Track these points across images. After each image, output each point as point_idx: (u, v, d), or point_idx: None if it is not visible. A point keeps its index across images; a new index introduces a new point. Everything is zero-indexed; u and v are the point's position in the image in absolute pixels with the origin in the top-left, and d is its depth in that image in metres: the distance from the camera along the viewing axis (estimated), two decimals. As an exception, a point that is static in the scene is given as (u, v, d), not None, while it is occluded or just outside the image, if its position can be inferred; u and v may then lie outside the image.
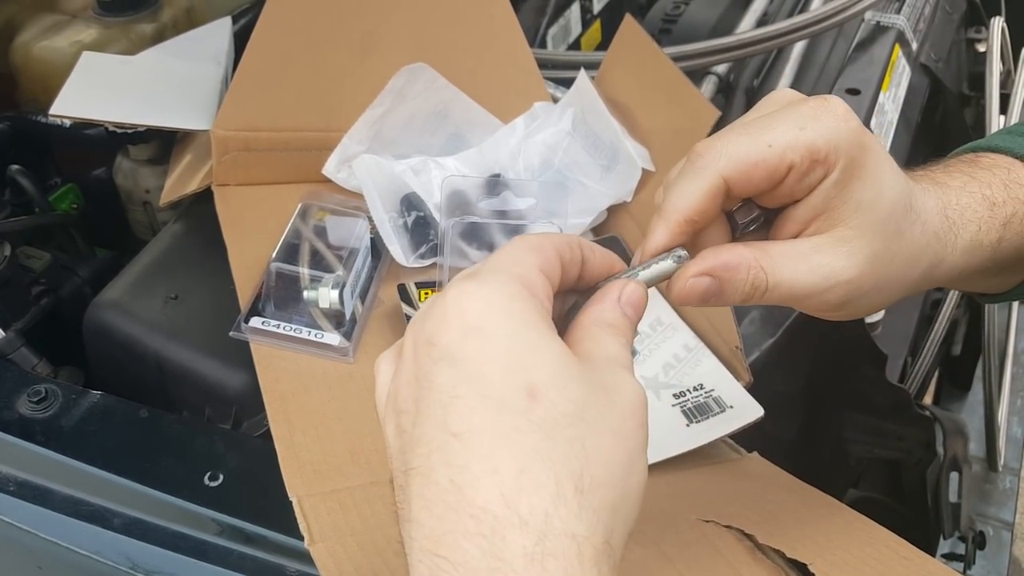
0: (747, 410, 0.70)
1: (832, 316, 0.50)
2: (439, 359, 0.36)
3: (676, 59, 0.94)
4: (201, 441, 0.68)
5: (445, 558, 0.34)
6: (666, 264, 0.45)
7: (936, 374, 1.21)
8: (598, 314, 0.41)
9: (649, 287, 0.44)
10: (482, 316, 0.36)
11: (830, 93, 1.01)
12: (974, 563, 1.04)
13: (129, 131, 0.91)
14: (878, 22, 1.13)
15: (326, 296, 0.72)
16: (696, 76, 1.01)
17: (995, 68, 1.25)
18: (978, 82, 1.31)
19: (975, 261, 0.51)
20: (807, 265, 0.47)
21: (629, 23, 0.93)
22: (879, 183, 0.47)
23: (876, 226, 0.47)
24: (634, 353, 0.73)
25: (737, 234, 0.49)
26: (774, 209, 0.49)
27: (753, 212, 0.48)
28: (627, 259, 0.57)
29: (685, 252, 0.45)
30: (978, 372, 1.34)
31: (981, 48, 1.35)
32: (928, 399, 1.18)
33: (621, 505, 0.36)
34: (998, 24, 1.29)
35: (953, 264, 0.51)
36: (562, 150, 0.88)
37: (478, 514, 0.34)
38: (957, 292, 1.13)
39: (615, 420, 0.37)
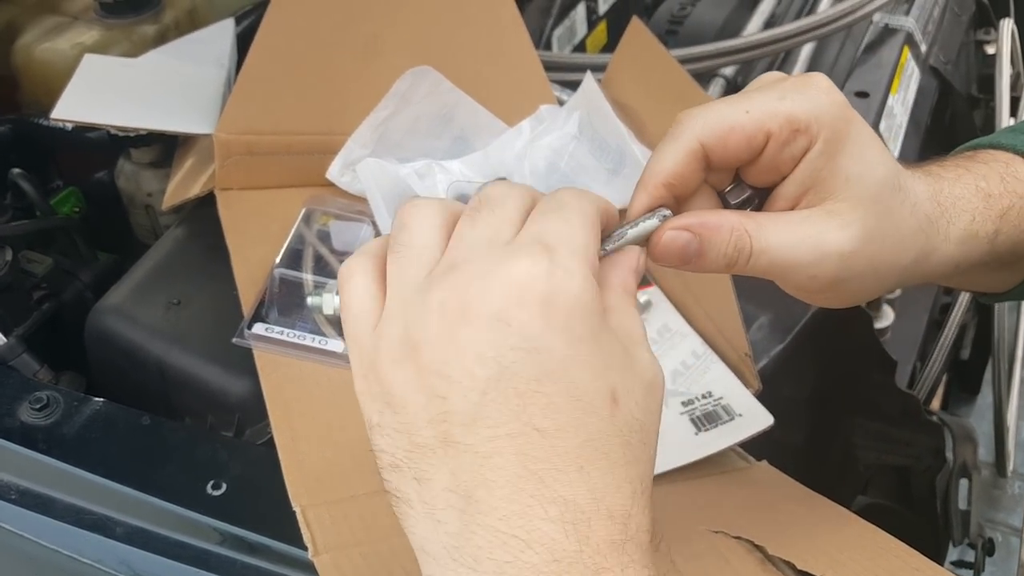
0: (757, 418, 0.69)
1: (819, 297, 0.48)
2: (516, 347, 0.36)
3: (683, 61, 0.94)
4: (204, 449, 0.67)
5: (516, 536, 0.35)
6: (651, 222, 0.44)
7: (944, 378, 1.20)
8: (625, 279, 0.41)
9: (636, 245, 0.44)
10: (569, 313, 0.36)
11: (838, 96, 1.02)
12: (983, 570, 1.03)
13: (131, 134, 0.90)
14: (887, 24, 1.12)
15: (330, 302, 0.71)
16: (703, 78, 1.00)
17: (1004, 70, 1.25)
18: (987, 84, 1.30)
19: (972, 253, 0.50)
20: (797, 234, 0.46)
21: (636, 25, 0.93)
22: (866, 157, 0.46)
23: (867, 201, 0.46)
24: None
25: None
26: (767, 190, 0.48)
27: (745, 192, 0.47)
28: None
29: (669, 211, 0.45)
30: (987, 376, 1.33)
31: (990, 50, 1.34)
32: (936, 403, 1.18)
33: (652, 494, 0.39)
34: (1007, 26, 1.28)
35: (948, 254, 0.50)
36: (568, 154, 0.88)
37: (563, 503, 0.35)
38: (967, 296, 1.12)
39: (656, 417, 0.39)
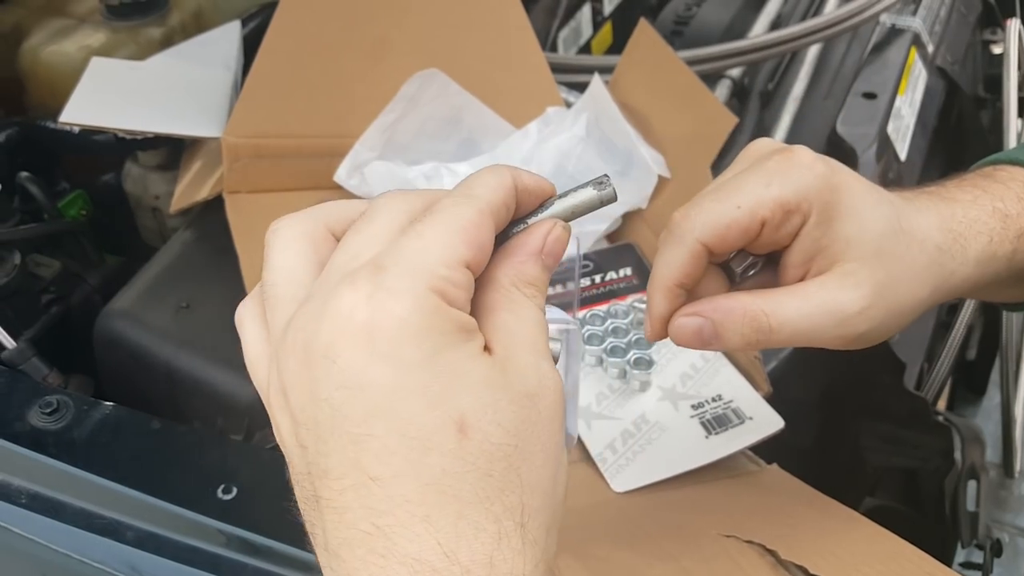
0: (767, 422, 0.69)
1: (850, 348, 0.50)
2: (342, 385, 0.32)
3: (690, 62, 0.93)
4: (214, 453, 0.67)
5: None
6: (587, 192, 0.39)
7: (950, 379, 1.20)
8: (518, 270, 0.36)
9: (571, 220, 0.39)
10: (395, 340, 0.32)
11: (846, 97, 1.01)
12: (992, 571, 1.03)
13: (138, 137, 0.90)
14: (894, 25, 1.12)
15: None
16: (710, 80, 1.00)
17: (1012, 70, 1.24)
18: (994, 84, 1.30)
19: (990, 272, 0.51)
20: (812, 303, 0.47)
21: (643, 27, 0.92)
22: (863, 217, 0.48)
23: (872, 257, 0.47)
24: (651, 364, 0.72)
25: (737, 282, 0.51)
26: (768, 255, 0.50)
27: (747, 259, 0.50)
28: (644, 270, 0.56)
29: (606, 177, 0.39)
30: (993, 377, 1.33)
31: (997, 50, 1.33)
32: (942, 404, 1.17)
33: (553, 522, 0.34)
34: (1014, 26, 1.27)
35: (966, 275, 0.51)
36: (576, 156, 0.88)
37: (412, 564, 0.31)
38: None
39: (542, 433, 0.34)
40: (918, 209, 0.50)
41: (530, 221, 0.38)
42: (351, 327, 0.32)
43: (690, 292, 0.49)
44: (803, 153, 0.48)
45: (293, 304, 0.35)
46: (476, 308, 0.35)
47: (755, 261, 0.50)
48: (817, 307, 0.47)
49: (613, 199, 0.39)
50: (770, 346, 0.48)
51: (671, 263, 0.48)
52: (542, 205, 0.39)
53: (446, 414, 0.32)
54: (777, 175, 0.47)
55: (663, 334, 0.50)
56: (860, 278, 0.47)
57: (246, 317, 0.38)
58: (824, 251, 0.47)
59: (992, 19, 1.37)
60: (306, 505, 0.34)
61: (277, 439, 0.36)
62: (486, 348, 0.34)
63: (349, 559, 0.32)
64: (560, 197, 0.39)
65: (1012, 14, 1.31)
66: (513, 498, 0.33)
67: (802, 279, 0.49)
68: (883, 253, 0.48)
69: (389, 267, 0.33)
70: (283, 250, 0.37)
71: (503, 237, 0.37)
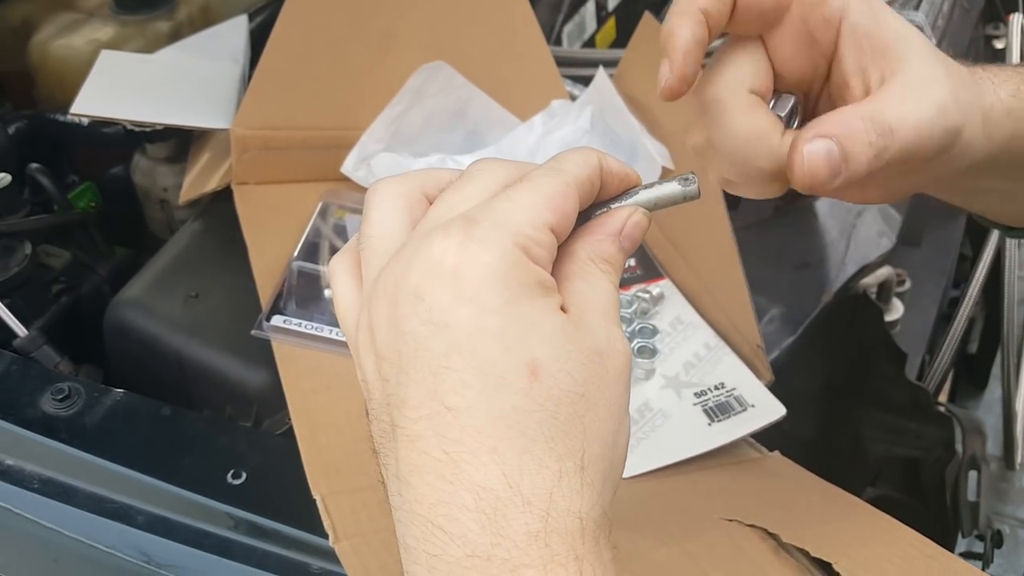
0: (769, 409, 0.70)
1: (951, 157, 0.44)
2: (428, 321, 0.34)
3: (694, 56, 0.94)
4: (223, 439, 0.68)
5: (441, 528, 0.33)
6: (671, 186, 0.40)
7: (952, 372, 1.21)
8: (596, 247, 0.39)
9: (653, 210, 0.41)
10: (479, 285, 0.34)
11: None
12: (992, 562, 1.03)
13: (147, 129, 0.91)
14: (896, 19, 1.12)
15: (347, 294, 0.72)
16: (713, 73, 1.00)
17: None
18: (995, 79, 1.30)
19: (1017, 132, 0.47)
20: (912, 96, 0.43)
21: (648, 21, 0.93)
22: (896, 17, 0.44)
23: (927, 50, 0.44)
24: (654, 352, 0.73)
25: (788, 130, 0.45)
26: (810, 98, 0.47)
27: (789, 100, 0.46)
28: (647, 260, 0.57)
29: (692, 175, 0.41)
30: (995, 370, 1.33)
31: (999, 45, 1.34)
32: (942, 397, 1.18)
33: (611, 472, 0.36)
34: (1017, 21, 1.27)
35: (1000, 117, 0.46)
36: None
37: (477, 491, 0.33)
38: (976, 289, 1.13)
39: (608, 389, 0.36)
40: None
41: (613, 206, 0.40)
42: (440, 270, 0.34)
43: (710, 34, 0.43)
44: None
45: (386, 256, 0.37)
46: (556, 277, 0.37)
47: (796, 102, 0.46)
48: (914, 98, 0.42)
49: (696, 196, 0.40)
50: (889, 155, 0.42)
51: None
52: (626, 192, 0.40)
53: (520, 357, 0.34)
54: None
55: (685, 81, 0.43)
56: (931, 67, 0.43)
57: (338, 269, 0.41)
58: (881, 51, 0.43)
59: (994, 14, 1.37)
60: (382, 437, 0.36)
61: (360, 380, 0.38)
62: (562, 308, 0.37)
63: (418, 484, 0.34)
64: (645, 188, 0.41)
65: (1015, 9, 1.32)
66: (575, 442, 0.34)
67: (867, 91, 0.44)
68: (931, 50, 0.44)
69: (480, 221, 0.35)
70: (379, 206, 0.39)
71: (585, 217, 0.39)
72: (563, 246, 0.38)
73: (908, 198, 0.96)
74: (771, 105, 0.45)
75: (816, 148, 0.42)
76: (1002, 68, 0.48)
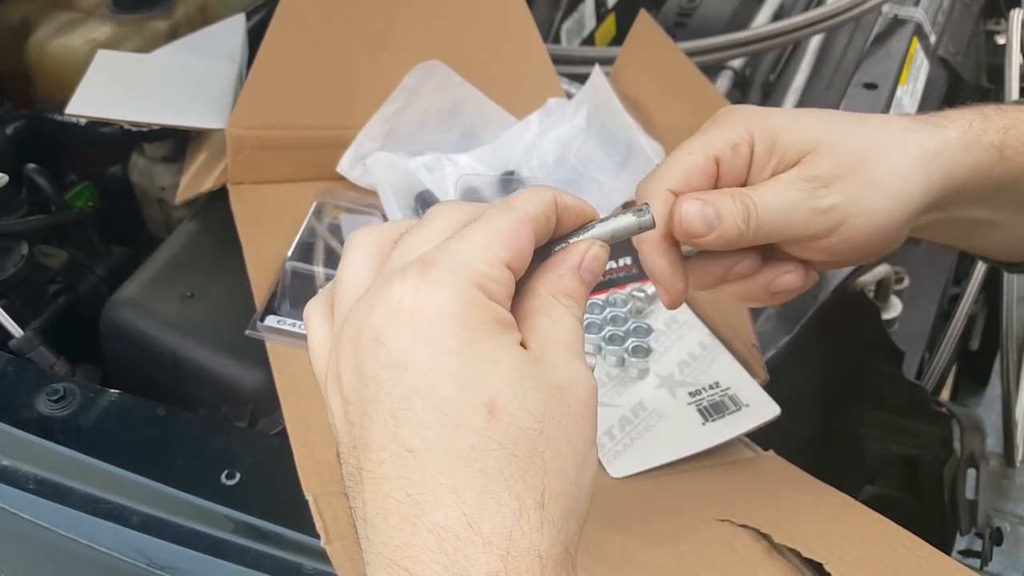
0: (763, 408, 0.70)
1: (835, 238, 0.50)
2: (388, 364, 0.35)
3: (691, 54, 0.94)
4: (217, 439, 0.68)
5: (406, 569, 0.34)
6: (627, 219, 0.42)
7: (953, 369, 1.21)
8: (556, 282, 0.40)
9: (611, 243, 0.42)
10: (436, 326, 0.35)
11: (847, 87, 1.02)
12: (991, 559, 1.03)
13: (144, 129, 0.91)
14: (896, 15, 1.12)
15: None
16: (712, 71, 1.00)
17: (1014, 60, 1.24)
18: (997, 74, 1.30)
19: (983, 162, 0.51)
20: (783, 182, 0.49)
21: (644, 19, 0.93)
22: (805, 118, 0.51)
23: (824, 142, 0.49)
24: (649, 351, 0.73)
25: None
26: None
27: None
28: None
29: (646, 205, 0.43)
30: (996, 367, 1.33)
31: (1000, 40, 1.33)
32: (945, 394, 1.18)
33: (575, 508, 0.36)
34: (1018, 16, 1.27)
35: (954, 159, 0.50)
36: (576, 146, 0.88)
37: (439, 532, 0.33)
38: (976, 287, 1.12)
39: (570, 424, 0.36)
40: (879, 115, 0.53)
41: (571, 240, 0.41)
42: (399, 313, 0.35)
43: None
44: (738, 105, 0.53)
45: (355, 300, 0.38)
46: (517, 315, 0.38)
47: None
48: (785, 183, 0.49)
49: (651, 226, 0.43)
50: (758, 238, 0.49)
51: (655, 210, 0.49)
52: (584, 227, 0.42)
53: (477, 396, 0.35)
54: (716, 122, 0.51)
55: (680, 297, 0.52)
56: (817, 158, 0.49)
57: (312, 313, 0.42)
58: (779, 160, 0.50)
59: (996, 9, 1.36)
60: (350, 480, 0.37)
61: (331, 422, 0.39)
62: (523, 345, 0.37)
63: (383, 527, 0.34)
64: (602, 221, 0.42)
65: (1016, 4, 1.31)
66: (535, 479, 0.35)
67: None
68: (834, 137, 0.50)
69: (436, 263, 0.36)
70: (352, 253, 0.41)
71: (545, 254, 0.41)
72: (524, 284, 0.39)
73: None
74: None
75: (693, 206, 0.49)
76: (952, 110, 0.52)
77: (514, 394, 0.35)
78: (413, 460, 0.34)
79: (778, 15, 1.12)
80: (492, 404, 0.35)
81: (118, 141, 0.94)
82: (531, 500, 0.34)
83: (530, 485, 0.35)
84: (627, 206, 0.44)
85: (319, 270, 0.74)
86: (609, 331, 0.75)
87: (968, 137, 0.51)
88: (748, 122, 0.51)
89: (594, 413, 0.38)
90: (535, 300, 0.39)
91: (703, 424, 0.69)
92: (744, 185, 0.51)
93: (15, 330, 0.78)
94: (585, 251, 0.40)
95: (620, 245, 0.44)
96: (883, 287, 0.93)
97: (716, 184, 0.51)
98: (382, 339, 0.35)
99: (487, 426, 0.34)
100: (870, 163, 0.49)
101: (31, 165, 0.93)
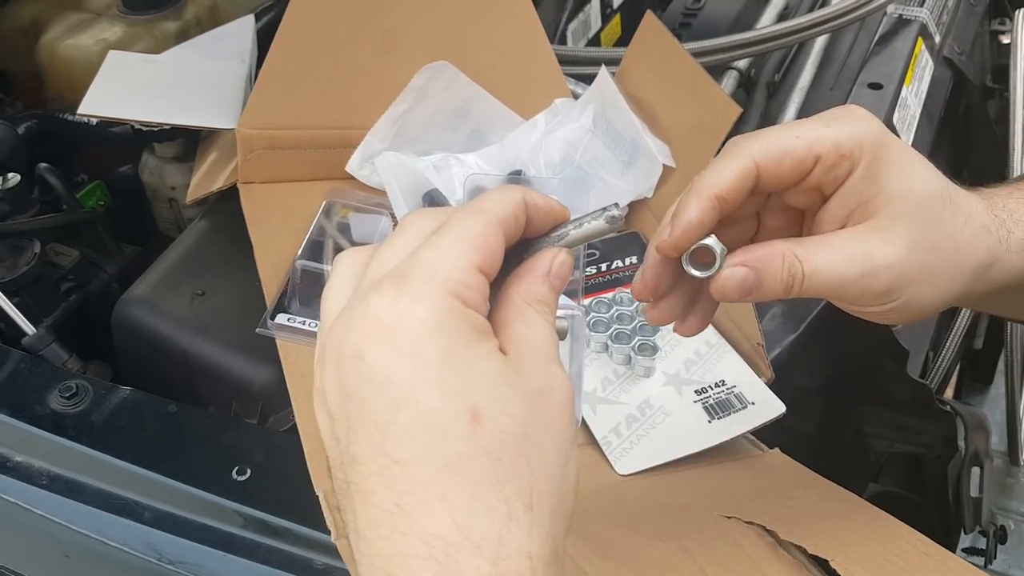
0: (769, 406, 0.70)
1: (883, 311, 0.49)
2: (370, 379, 0.35)
3: (696, 54, 0.94)
4: (229, 436, 0.69)
5: None
6: (597, 223, 0.42)
7: (958, 368, 1.21)
8: (528, 289, 0.40)
9: (583, 243, 0.43)
10: (416, 338, 0.35)
11: (852, 88, 1.02)
12: (995, 557, 1.04)
13: (155, 129, 0.92)
14: (900, 15, 1.12)
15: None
16: (717, 71, 1.01)
17: (1020, 60, 1.24)
18: (1002, 74, 1.30)
19: None
20: (845, 252, 0.48)
21: (649, 19, 0.93)
22: (908, 175, 0.48)
23: (912, 214, 0.48)
24: (655, 350, 0.74)
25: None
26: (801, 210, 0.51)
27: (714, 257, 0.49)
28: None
29: (616, 205, 0.42)
30: (1000, 366, 1.33)
31: (1005, 40, 1.33)
32: (949, 393, 1.18)
33: (561, 507, 0.37)
34: (1023, 16, 1.27)
35: (1010, 263, 0.51)
36: (583, 146, 0.89)
37: (429, 540, 0.34)
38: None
39: (551, 426, 0.37)
40: (964, 191, 0.51)
41: (544, 243, 0.42)
42: (378, 328, 0.36)
43: (723, 217, 0.48)
44: (859, 108, 0.50)
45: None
46: (494, 323, 0.39)
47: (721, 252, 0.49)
48: (849, 256, 0.48)
49: (621, 228, 0.42)
50: (803, 295, 0.48)
51: (720, 172, 0.47)
52: (555, 228, 0.42)
53: (461, 404, 0.35)
54: (836, 119, 0.49)
55: (682, 245, 0.48)
56: (895, 232, 0.48)
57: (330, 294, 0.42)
58: (865, 204, 0.48)
59: (1001, 9, 1.37)
60: (341, 494, 0.37)
61: (323, 438, 0.39)
62: (502, 351, 0.38)
63: (374, 538, 0.35)
64: (574, 222, 0.42)
65: (1021, 4, 1.31)
66: (522, 482, 0.35)
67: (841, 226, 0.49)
68: (925, 214, 0.48)
69: (411, 274, 0.37)
70: (338, 274, 0.41)
71: (519, 257, 0.41)
72: (498, 290, 0.40)
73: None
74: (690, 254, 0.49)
75: (733, 273, 0.48)
76: (1020, 202, 0.52)
77: (496, 400, 0.36)
78: (400, 471, 0.35)
79: (783, 16, 1.12)
80: (476, 411, 0.35)
81: (129, 141, 0.95)
82: (520, 503, 0.35)
83: (518, 488, 0.35)
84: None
85: (328, 268, 0.75)
86: (616, 329, 0.76)
87: None
88: (869, 136, 0.48)
89: (572, 414, 0.39)
90: (510, 308, 0.40)
91: (709, 422, 0.70)
92: (817, 191, 0.49)
93: (28, 327, 0.79)
94: (553, 259, 0.41)
95: (627, 243, 0.45)
96: (888, 286, 0.94)
97: (800, 182, 0.48)
98: (363, 354, 0.36)
99: (472, 433, 0.35)
100: (937, 253, 0.49)
101: (43, 164, 0.94)
